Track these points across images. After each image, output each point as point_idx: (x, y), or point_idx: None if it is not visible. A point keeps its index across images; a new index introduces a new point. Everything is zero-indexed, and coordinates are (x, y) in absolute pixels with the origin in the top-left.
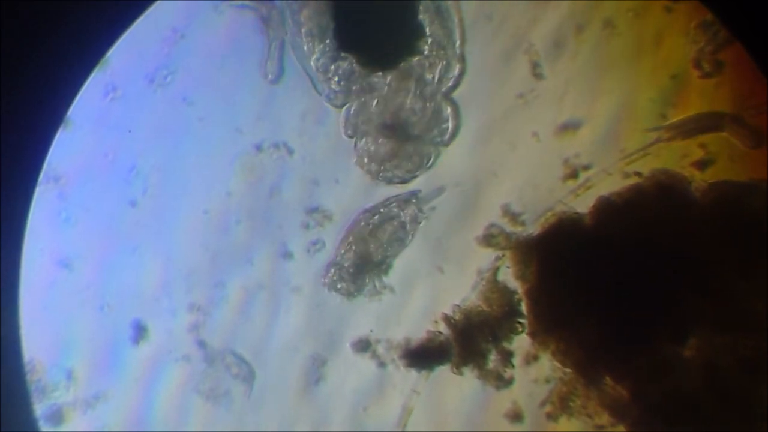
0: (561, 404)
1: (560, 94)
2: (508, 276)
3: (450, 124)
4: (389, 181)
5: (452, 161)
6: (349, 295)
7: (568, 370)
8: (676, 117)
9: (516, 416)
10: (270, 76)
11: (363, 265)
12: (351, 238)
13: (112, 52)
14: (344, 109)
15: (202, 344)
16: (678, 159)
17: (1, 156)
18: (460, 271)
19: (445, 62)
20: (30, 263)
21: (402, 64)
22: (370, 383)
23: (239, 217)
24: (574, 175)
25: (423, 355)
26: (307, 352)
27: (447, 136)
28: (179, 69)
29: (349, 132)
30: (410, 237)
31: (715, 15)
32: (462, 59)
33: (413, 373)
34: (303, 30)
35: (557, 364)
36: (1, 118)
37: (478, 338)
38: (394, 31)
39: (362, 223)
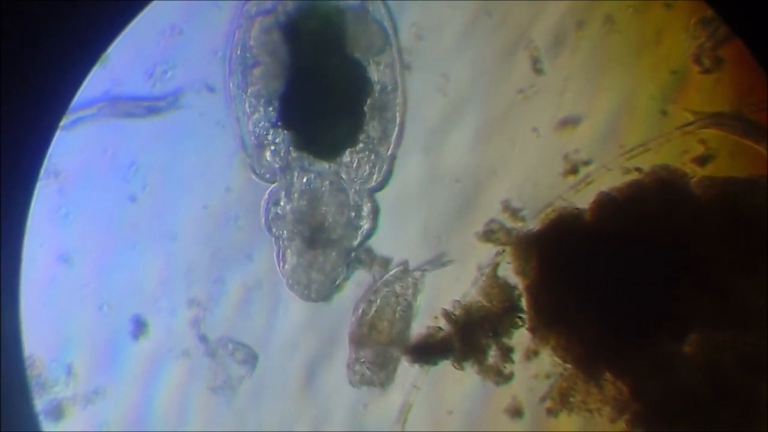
0: (561, 400)
1: (560, 90)
2: (509, 272)
3: (366, 226)
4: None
5: (452, 157)
6: (385, 384)
7: (569, 365)
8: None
9: (516, 412)
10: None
11: (382, 352)
12: (359, 338)
13: (111, 49)
14: (269, 191)
15: (202, 339)
16: (678, 155)
17: (1, 153)
18: (460, 266)
19: (373, 162)
20: (30, 259)
21: (337, 155)
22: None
23: (238, 212)
24: (574, 170)
25: (424, 351)
26: (307, 349)
27: (360, 238)
28: (178, 65)
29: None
30: (416, 305)
31: (715, 11)
32: (392, 161)
33: (413, 369)
34: (250, 88)
35: (557, 360)
36: (1, 115)
37: (478, 334)
38: (338, 120)
39: (361, 319)
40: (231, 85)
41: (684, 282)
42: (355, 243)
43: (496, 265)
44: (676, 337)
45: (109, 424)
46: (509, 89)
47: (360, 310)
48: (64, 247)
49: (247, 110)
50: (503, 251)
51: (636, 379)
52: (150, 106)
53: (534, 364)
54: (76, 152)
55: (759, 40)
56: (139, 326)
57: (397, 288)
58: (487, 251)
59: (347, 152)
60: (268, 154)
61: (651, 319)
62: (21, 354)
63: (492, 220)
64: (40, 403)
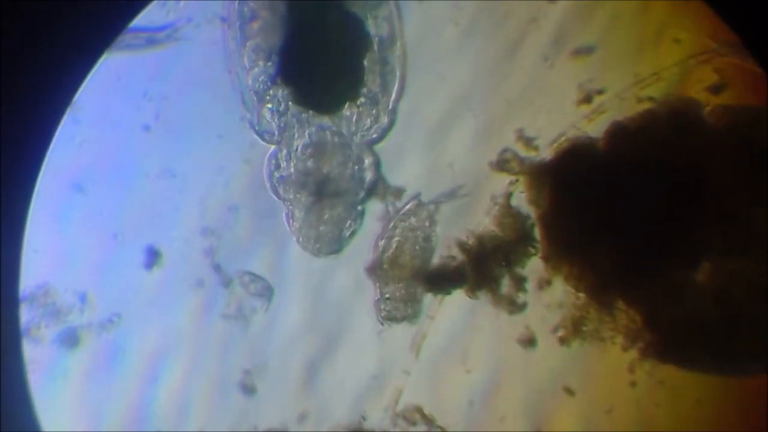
0: (574, 329)
1: (572, 17)
2: (522, 201)
3: (369, 177)
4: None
5: (465, 86)
6: (414, 317)
7: (581, 294)
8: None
9: (529, 341)
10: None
11: (406, 288)
12: (378, 276)
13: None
14: (270, 153)
15: (217, 269)
16: (692, 84)
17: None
18: (473, 197)
19: (374, 115)
20: (44, 188)
21: (337, 110)
22: None
23: (254, 140)
24: (587, 100)
25: (438, 279)
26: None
27: (364, 191)
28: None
29: (279, 191)
30: (435, 236)
31: (715, 11)
32: (393, 113)
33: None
34: (248, 42)
35: (570, 289)
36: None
37: (491, 263)
38: (338, 74)
39: (382, 256)
40: (229, 39)
41: (697, 210)
42: (360, 196)
43: (510, 195)
44: (688, 266)
45: (126, 351)
46: (521, 17)
47: (379, 247)
48: (78, 175)
49: (246, 65)
50: (517, 181)
51: (649, 307)
52: (149, 37)
53: (547, 294)
54: (89, 81)
55: (759, 40)
56: (153, 256)
57: (414, 221)
58: (500, 181)
59: (347, 106)
60: (267, 112)
61: (663, 247)
62: (21, 354)
63: (505, 149)
64: (54, 331)
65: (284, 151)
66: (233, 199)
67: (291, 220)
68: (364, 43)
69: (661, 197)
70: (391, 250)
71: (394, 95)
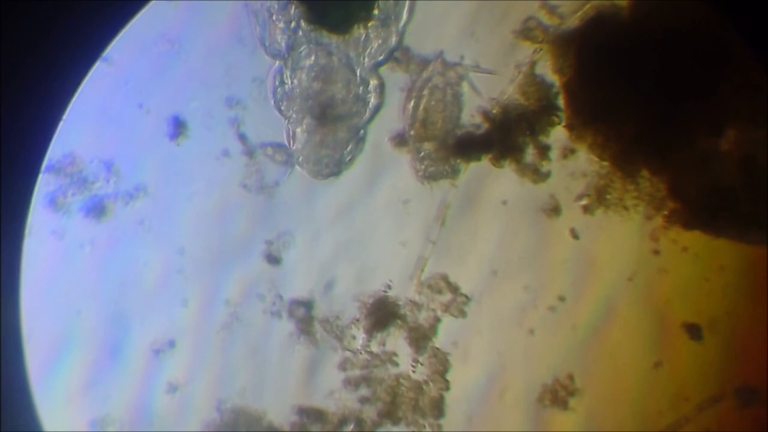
0: (598, 197)
1: None
2: (546, 69)
3: (372, 101)
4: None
5: None
6: (454, 172)
7: (605, 163)
8: None
9: (553, 210)
10: None
11: (439, 147)
12: (414, 131)
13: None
14: (274, 69)
15: (242, 138)
16: None
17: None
18: (497, 65)
19: (383, 37)
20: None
21: (349, 29)
22: (409, 178)
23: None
24: None
25: (467, 145)
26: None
27: (368, 114)
28: None
29: (281, 107)
30: (462, 93)
31: (715, 11)
32: (401, 36)
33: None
34: None
35: (594, 158)
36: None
37: (515, 132)
38: None
39: (413, 117)
40: None
41: (722, 78)
42: (364, 122)
43: (534, 63)
44: (712, 134)
45: (150, 220)
46: None
47: (409, 108)
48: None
49: None
50: (541, 49)
51: (673, 175)
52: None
53: (571, 162)
54: None
55: (759, 40)
56: (178, 126)
57: (440, 81)
58: (524, 50)
59: (358, 27)
60: (278, 30)
61: (688, 115)
62: (21, 354)
63: (530, 18)
64: (80, 200)
65: (290, 69)
66: (256, 72)
67: (291, 139)
68: None
69: (687, 64)
70: (420, 110)
71: (405, 18)
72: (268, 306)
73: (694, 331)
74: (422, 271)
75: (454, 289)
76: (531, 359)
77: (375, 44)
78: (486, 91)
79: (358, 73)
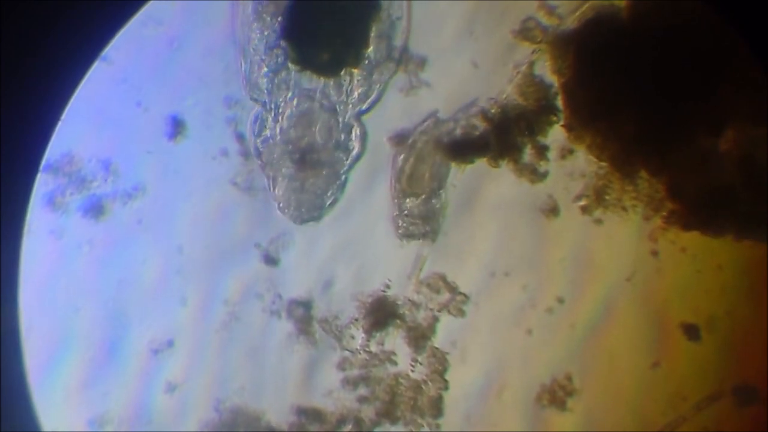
0: (596, 197)
1: None
2: (545, 70)
3: (355, 150)
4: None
5: None
6: (433, 234)
7: (604, 163)
8: None
9: (552, 210)
10: None
11: (424, 204)
12: (396, 192)
13: None
14: (254, 114)
15: (240, 137)
16: None
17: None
18: (496, 65)
19: (368, 85)
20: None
21: (334, 72)
22: None
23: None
24: None
25: (461, 147)
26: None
27: (349, 162)
28: None
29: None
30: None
31: (715, 11)
32: (384, 88)
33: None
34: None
35: (593, 158)
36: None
37: (513, 132)
38: (342, 37)
39: (400, 172)
40: None
41: (720, 77)
42: (344, 168)
43: (532, 63)
44: (711, 134)
45: (148, 219)
46: None
47: (398, 163)
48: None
49: (251, 17)
50: (539, 49)
51: (672, 176)
52: None
53: (569, 163)
54: None
55: (758, 39)
56: (176, 126)
57: (431, 138)
58: (523, 50)
59: (344, 71)
60: (263, 72)
61: (687, 115)
62: (20, 353)
63: (528, 18)
64: (78, 200)
65: (271, 114)
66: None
67: (272, 185)
68: (375, 12)
69: (686, 65)
70: (408, 166)
71: (390, 70)
72: (267, 305)
73: (692, 331)
74: (420, 270)
75: (453, 288)
76: (529, 359)
77: (358, 92)
78: (483, 92)
79: (340, 120)
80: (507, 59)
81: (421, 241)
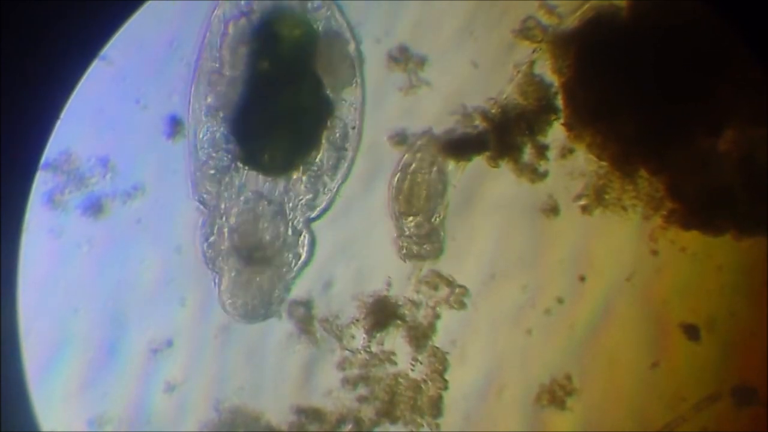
0: (596, 197)
1: None
2: (545, 69)
3: (303, 258)
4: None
5: None
6: (435, 254)
7: (604, 163)
8: None
9: (552, 210)
10: None
11: (424, 223)
12: (394, 213)
13: None
14: (202, 219)
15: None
16: None
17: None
18: (495, 65)
19: (317, 190)
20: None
21: (281, 173)
22: None
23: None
24: None
25: (460, 146)
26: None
27: (296, 268)
28: None
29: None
30: (448, 171)
31: (716, 11)
32: (335, 196)
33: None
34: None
35: (592, 158)
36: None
37: (513, 131)
38: (293, 142)
39: (394, 196)
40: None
41: (720, 78)
42: (291, 274)
43: (533, 63)
44: (711, 134)
45: (147, 219)
46: None
47: (394, 185)
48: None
49: (203, 118)
50: (539, 49)
51: (671, 176)
52: None
53: (569, 162)
54: None
55: (758, 40)
56: (175, 125)
57: (427, 155)
58: (523, 50)
59: (293, 175)
60: (209, 175)
61: (687, 115)
62: (19, 353)
63: (529, 17)
64: (78, 198)
65: (217, 219)
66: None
67: (218, 283)
68: (328, 117)
69: (685, 65)
70: (404, 188)
71: (339, 179)
72: None
73: (691, 331)
74: (420, 270)
75: (450, 282)
76: (529, 359)
77: (306, 197)
78: (485, 93)
79: (289, 218)
80: (507, 59)
81: (424, 261)
